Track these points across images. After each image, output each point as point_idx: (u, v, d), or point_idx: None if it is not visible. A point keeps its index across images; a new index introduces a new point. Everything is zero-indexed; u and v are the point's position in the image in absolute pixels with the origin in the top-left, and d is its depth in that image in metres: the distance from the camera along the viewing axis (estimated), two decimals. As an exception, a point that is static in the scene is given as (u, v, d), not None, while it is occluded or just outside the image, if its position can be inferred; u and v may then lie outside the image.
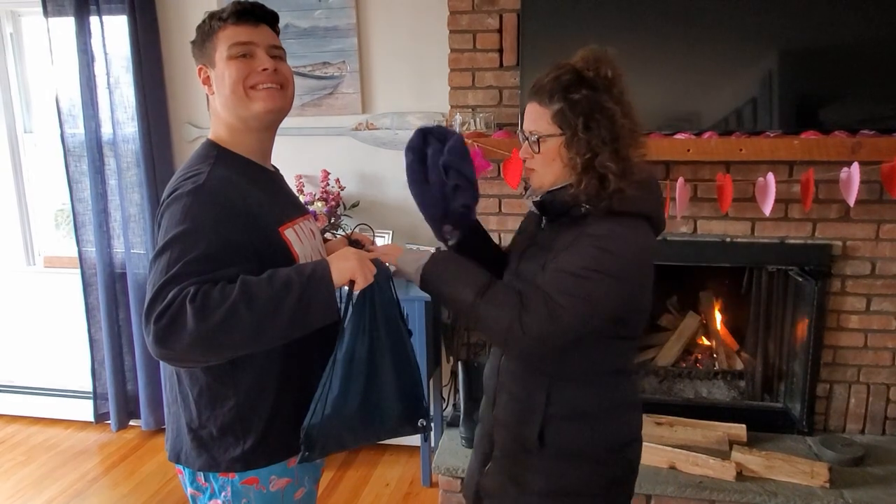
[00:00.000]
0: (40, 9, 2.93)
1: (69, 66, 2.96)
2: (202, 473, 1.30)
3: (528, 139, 1.32)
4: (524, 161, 1.36)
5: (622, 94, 1.26)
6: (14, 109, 3.28)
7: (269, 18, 1.32)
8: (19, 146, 3.32)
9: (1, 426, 3.42)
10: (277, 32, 1.35)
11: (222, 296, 1.09)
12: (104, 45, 2.94)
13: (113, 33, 2.94)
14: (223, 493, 1.29)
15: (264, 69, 1.26)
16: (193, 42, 1.33)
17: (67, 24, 2.91)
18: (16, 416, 3.49)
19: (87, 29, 2.92)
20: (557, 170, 1.30)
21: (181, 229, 1.14)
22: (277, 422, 1.28)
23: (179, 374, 1.29)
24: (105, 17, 2.92)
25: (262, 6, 1.32)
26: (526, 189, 1.48)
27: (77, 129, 3.04)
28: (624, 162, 1.25)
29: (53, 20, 2.94)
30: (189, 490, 1.34)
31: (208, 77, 1.30)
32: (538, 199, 1.35)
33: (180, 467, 1.33)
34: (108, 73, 2.96)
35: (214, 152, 1.28)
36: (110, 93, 2.98)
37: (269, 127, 1.34)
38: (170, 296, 1.09)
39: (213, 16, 1.29)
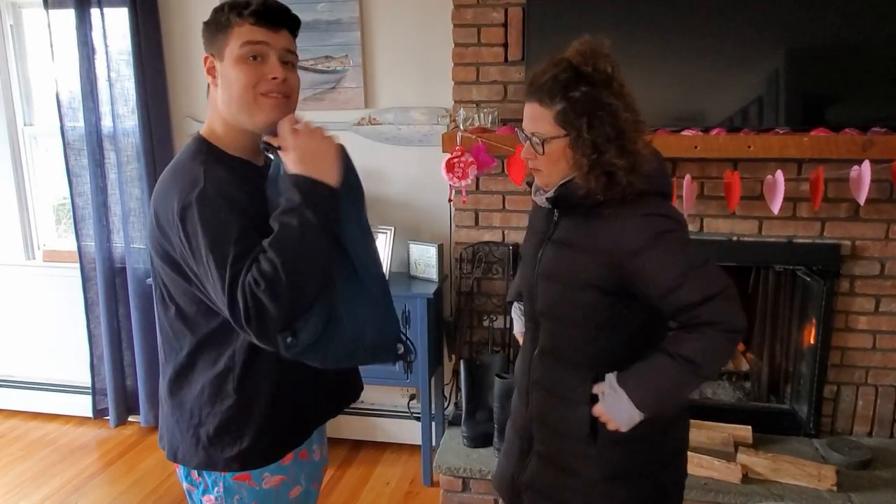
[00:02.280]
0: (41, 1, 2.91)
1: (69, 58, 2.94)
2: (197, 470, 1.29)
3: (529, 140, 1.30)
4: (527, 161, 1.34)
5: (622, 87, 1.25)
6: (14, 102, 3.25)
7: (292, 24, 1.24)
8: (19, 139, 3.29)
9: (-1, 421, 3.41)
10: (295, 37, 1.27)
11: (271, 266, 1.08)
12: (105, 38, 2.92)
13: (114, 26, 2.91)
14: (216, 489, 1.28)
15: (273, 77, 1.20)
16: (206, 24, 1.24)
17: (68, 16, 2.89)
18: (14, 410, 3.47)
19: (87, 21, 2.89)
20: (563, 169, 1.30)
21: (210, 239, 1.12)
22: (275, 421, 1.26)
23: (176, 371, 1.27)
24: (106, 10, 2.90)
25: (287, 10, 1.23)
26: (529, 185, 1.47)
27: (77, 123, 3.02)
28: (631, 156, 1.24)
29: (54, 12, 2.92)
30: (185, 485, 1.34)
31: (214, 67, 1.23)
32: (552, 195, 1.33)
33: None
34: (108, 67, 2.94)
35: (204, 150, 1.23)
36: (111, 86, 2.96)
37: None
38: (238, 297, 1.08)
39: (233, 6, 1.20)
